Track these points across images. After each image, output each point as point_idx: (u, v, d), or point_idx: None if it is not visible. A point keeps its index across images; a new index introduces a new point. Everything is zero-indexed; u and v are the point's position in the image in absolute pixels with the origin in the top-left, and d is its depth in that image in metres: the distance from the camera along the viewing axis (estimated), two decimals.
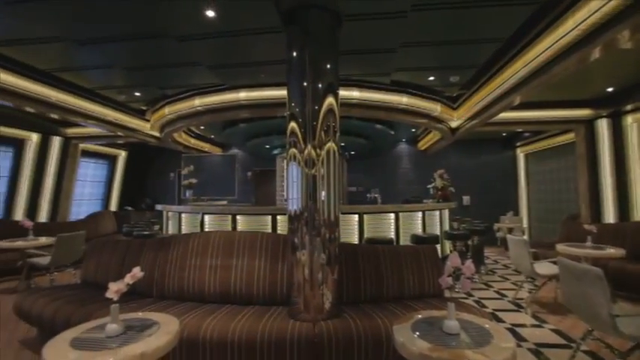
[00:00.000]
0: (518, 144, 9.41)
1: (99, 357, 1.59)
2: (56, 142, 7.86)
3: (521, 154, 9.56)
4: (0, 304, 4.24)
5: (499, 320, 3.70)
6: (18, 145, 7.29)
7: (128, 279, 1.94)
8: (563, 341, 3.16)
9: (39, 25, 3.74)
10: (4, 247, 4.82)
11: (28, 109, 5.36)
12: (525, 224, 9.23)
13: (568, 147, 7.51)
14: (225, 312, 2.65)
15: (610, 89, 5.54)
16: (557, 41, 3.53)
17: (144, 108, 6.99)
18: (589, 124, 6.44)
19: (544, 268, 4.20)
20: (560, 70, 3.74)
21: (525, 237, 8.19)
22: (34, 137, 7.46)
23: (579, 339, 2.85)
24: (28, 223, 5.17)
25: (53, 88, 5.36)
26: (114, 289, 1.88)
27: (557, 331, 3.39)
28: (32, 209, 7.53)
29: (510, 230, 8.25)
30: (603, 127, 6.25)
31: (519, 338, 3.21)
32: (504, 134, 9.18)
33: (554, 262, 4.01)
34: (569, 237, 5.52)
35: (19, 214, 7.26)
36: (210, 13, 3.50)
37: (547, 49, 3.70)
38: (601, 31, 3.06)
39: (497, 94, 5.00)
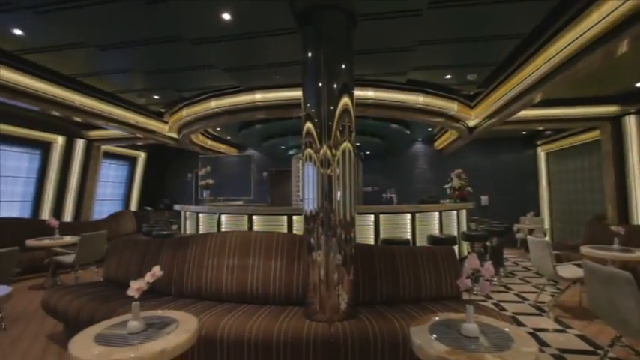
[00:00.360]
0: (538, 142, 9.13)
1: (121, 352, 1.63)
2: (80, 144, 8.16)
3: (542, 153, 9.27)
4: (29, 300, 4.43)
5: (520, 324, 3.60)
6: (45, 148, 7.61)
7: (148, 277, 1.99)
8: (588, 347, 3.04)
9: (64, 32, 3.90)
10: (32, 245, 5.04)
11: (54, 113, 5.59)
12: (547, 225, 8.94)
13: (593, 145, 7.23)
14: (242, 311, 2.68)
15: (639, 84, 5.30)
16: (581, 35, 3.40)
17: (162, 110, 7.17)
18: (615, 121, 6.18)
19: (567, 270, 4.06)
20: (584, 65, 3.60)
21: (547, 238, 7.93)
22: (60, 140, 7.76)
23: (607, 345, 2.74)
24: (55, 223, 5.38)
25: (77, 92, 5.57)
26: (135, 287, 1.93)
27: (582, 337, 3.26)
28: (58, 209, 7.84)
29: (531, 231, 8.01)
30: (631, 124, 5.98)
31: (541, 343, 3.11)
32: (524, 133, 8.93)
33: (579, 265, 3.87)
34: (594, 239, 5.31)
35: (46, 213, 7.57)
36: (226, 16, 3.55)
37: (570, 43, 3.58)
38: (630, 23, 2.93)
39: (516, 92, 4.86)
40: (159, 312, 2.19)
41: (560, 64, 3.85)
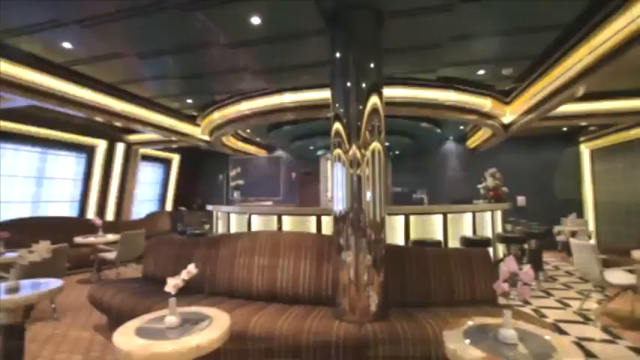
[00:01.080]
0: (582, 139, 8.55)
1: (160, 346, 1.72)
2: (120, 147, 8.65)
3: (585, 151, 8.67)
4: (77, 293, 4.76)
5: (562, 332, 3.38)
6: (89, 152, 8.15)
7: (184, 275, 2.08)
8: None
9: (106, 43, 4.15)
10: (80, 243, 5.42)
11: (97, 118, 5.97)
12: (592, 227, 8.34)
13: None
14: (272, 310, 2.72)
15: None
16: (631, 21, 3.14)
17: (195, 114, 7.45)
18: None
19: (617, 276, 3.76)
20: (635, 54, 3.32)
21: (592, 241, 7.40)
22: (102, 144, 8.28)
23: None
24: (98, 222, 5.75)
25: (118, 99, 5.91)
26: (172, 284, 2.02)
27: (635, 350, 3.00)
28: (101, 209, 8.37)
29: (573, 234, 7.50)
30: None
31: (587, 354, 2.90)
32: (565, 129, 8.38)
33: (631, 271, 3.58)
34: None
35: (91, 213, 8.11)
36: (256, 20, 3.62)
37: (618, 31, 3.31)
38: None
39: (557, 86, 4.58)
40: (193, 308, 2.28)
41: (607, 55, 3.58)
